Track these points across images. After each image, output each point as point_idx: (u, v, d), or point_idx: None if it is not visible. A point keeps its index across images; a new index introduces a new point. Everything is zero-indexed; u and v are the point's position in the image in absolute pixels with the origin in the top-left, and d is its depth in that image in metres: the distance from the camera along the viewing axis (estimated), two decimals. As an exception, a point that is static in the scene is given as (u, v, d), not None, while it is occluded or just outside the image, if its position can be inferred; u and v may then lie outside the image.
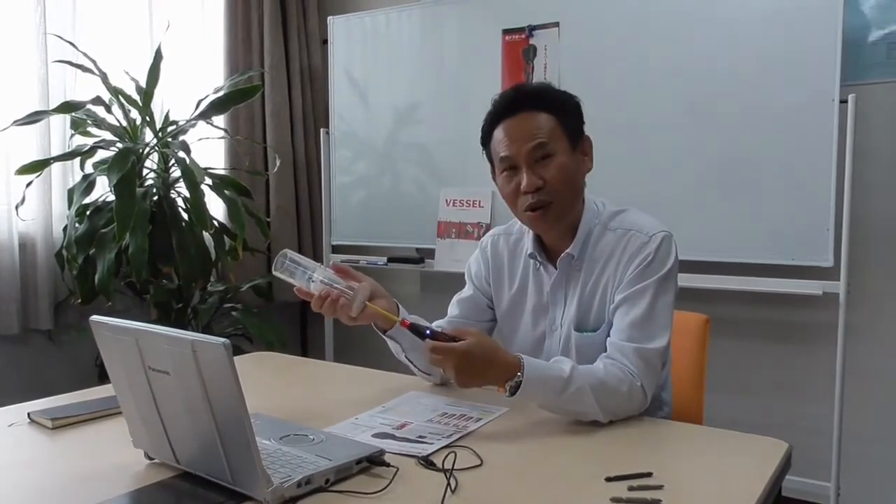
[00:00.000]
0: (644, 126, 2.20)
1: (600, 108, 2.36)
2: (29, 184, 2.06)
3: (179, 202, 2.28)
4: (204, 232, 2.15)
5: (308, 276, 1.09)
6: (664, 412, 1.25)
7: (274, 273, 1.10)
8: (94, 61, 2.15)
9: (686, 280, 1.87)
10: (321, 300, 1.08)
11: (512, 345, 1.27)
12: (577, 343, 1.17)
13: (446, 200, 2.57)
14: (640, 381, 1.07)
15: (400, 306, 1.18)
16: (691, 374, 1.35)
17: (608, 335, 1.13)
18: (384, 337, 1.20)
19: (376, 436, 0.99)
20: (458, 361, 1.00)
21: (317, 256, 3.02)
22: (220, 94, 2.30)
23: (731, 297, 2.22)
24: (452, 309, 1.32)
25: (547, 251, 1.23)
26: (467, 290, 1.33)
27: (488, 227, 2.44)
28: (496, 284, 1.29)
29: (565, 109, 1.15)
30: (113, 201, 1.96)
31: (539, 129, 1.12)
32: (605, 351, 1.12)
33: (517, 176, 1.13)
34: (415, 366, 1.24)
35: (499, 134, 1.15)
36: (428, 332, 1.03)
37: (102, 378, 2.04)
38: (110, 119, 2.20)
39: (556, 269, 1.20)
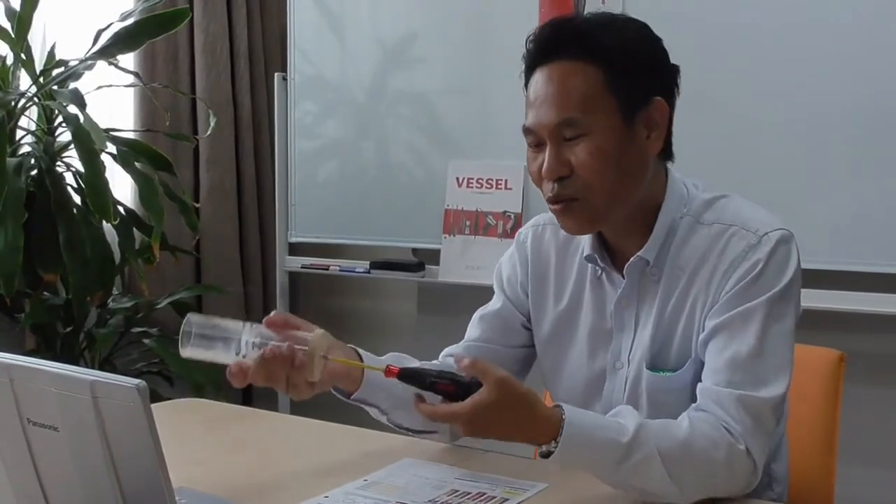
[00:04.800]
0: (752, 71, 2.19)
1: (685, 49, 2.33)
2: None
3: (69, 179, 2.28)
4: (104, 223, 2.16)
5: (236, 345, 1.07)
6: (776, 491, 1.25)
7: (183, 355, 1.08)
8: (-55, -27, 2.16)
9: (807, 300, 1.85)
10: (265, 366, 1.05)
11: (556, 387, 1.28)
12: (649, 387, 1.18)
13: (457, 179, 2.57)
14: (745, 442, 1.06)
15: (361, 354, 1.17)
16: (817, 434, 1.34)
17: (693, 375, 1.14)
18: (351, 402, 1.19)
19: (356, 522, 1.00)
20: (467, 426, 1.01)
21: (267, 259, 3.03)
22: (129, 22, 2.31)
23: (872, 322, 2.21)
24: (472, 329, 1.33)
25: (611, 252, 1.23)
26: (494, 302, 1.34)
27: (519, 219, 2.44)
28: (537, 295, 1.30)
29: (621, 60, 1.13)
30: (-28, 177, 1.98)
31: (572, 95, 1.12)
32: (693, 401, 1.12)
33: (542, 154, 1.15)
34: (406, 429, 1.25)
35: (531, 89, 1.17)
36: (431, 378, 1.03)
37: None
38: (-31, 57, 2.22)
39: (623, 277, 1.20)
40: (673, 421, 1.08)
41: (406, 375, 1.05)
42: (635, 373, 1.19)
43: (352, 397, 1.18)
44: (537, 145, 1.16)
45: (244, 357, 1.06)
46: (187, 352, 1.07)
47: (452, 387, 1.02)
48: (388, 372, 1.05)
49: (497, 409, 1.00)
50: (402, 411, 1.20)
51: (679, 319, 1.17)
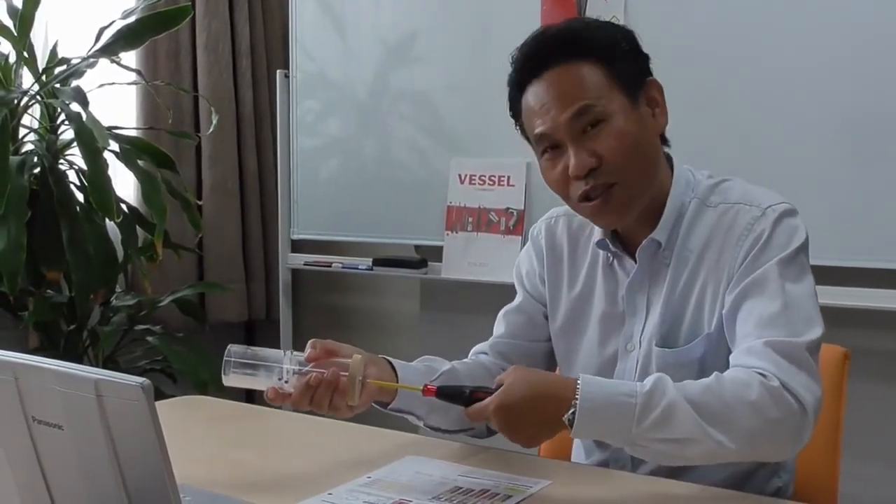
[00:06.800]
0: (753, 69, 2.19)
1: (685, 48, 2.35)
2: None
3: (72, 176, 2.28)
4: (107, 220, 2.16)
5: (278, 373, 1.12)
6: (783, 479, 1.26)
7: (226, 384, 1.13)
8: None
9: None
10: (309, 391, 1.10)
11: (569, 374, 1.30)
12: (659, 363, 1.20)
13: (460, 176, 2.57)
14: (780, 379, 1.05)
15: (395, 365, 1.20)
16: (821, 431, 1.33)
17: (703, 351, 1.17)
18: (389, 412, 1.23)
19: (359, 519, 1.00)
20: (500, 423, 1.06)
21: (270, 256, 3.03)
22: (131, 19, 2.31)
23: (877, 319, 2.21)
24: (498, 326, 1.37)
25: (622, 242, 1.26)
26: (516, 299, 1.38)
27: (521, 216, 2.44)
28: (552, 285, 1.33)
29: (613, 50, 1.18)
30: (-25, 176, 1.98)
31: (580, 87, 1.15)
32: (703, 376, 1.13)
33: (562, 156, 1.17)
34: (444, 430, 1.28)
35: (529, 102, 1.19)
36: (467, 391, 1.09)
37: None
38: (-29, 56, 2.22)
39: (635, 262, 1.23)
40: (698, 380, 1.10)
41: (443, 393, 1.11)
42: (645, 352, 1.22)
43: (389, 407, 1.22)
44: (553, 149, 1.17)
45: (286, 383, 1.11)
46: (230, 380, 1.13)
47: (487, 395, 1.07)
48: (426, 391, 1.11)
49: (518, 389, 1.06)
50: (437, 415, 1.24)
51: (689, 298, 1.20)
